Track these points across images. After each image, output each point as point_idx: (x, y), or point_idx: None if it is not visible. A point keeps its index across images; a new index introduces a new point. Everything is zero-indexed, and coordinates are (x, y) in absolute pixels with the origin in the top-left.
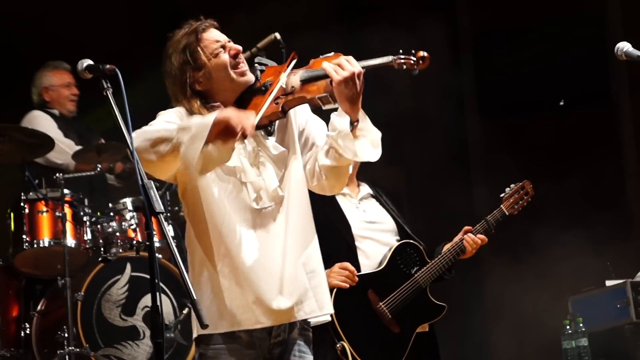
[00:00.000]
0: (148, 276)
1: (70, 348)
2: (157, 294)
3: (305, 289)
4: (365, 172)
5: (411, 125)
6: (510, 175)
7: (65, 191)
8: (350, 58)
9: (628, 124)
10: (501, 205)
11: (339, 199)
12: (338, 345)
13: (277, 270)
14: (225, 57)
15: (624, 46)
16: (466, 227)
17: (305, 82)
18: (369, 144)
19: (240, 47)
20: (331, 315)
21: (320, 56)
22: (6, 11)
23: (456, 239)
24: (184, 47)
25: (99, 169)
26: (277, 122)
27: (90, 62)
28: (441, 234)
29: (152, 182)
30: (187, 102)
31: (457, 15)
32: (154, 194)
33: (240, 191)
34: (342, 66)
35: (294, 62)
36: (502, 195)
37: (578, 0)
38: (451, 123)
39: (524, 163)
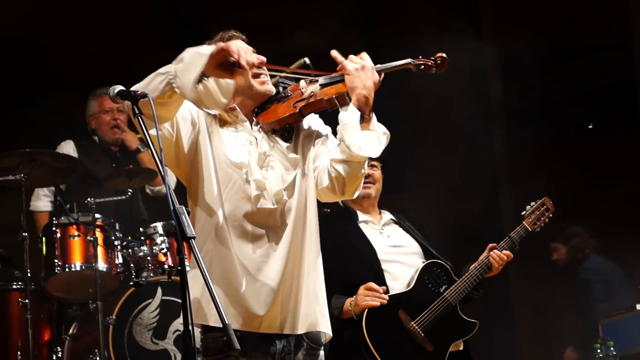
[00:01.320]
0: (179, 300)
1: None
2: (189, 318)
3: (296, 303)
4: (388, 194)
5: (439, 147)
6: (537, 195)
7: (97, 215)
8: (363, 54)
9: None
10: (523, 222)
11: (362, 226)
12: None
13: (266, 275)
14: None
15: None
16: (491, 245)
17: (323, 86)
18: (374, 138)
19: (264, 58)
20: (364, 336)
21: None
22: (37, 38)
23: (482, 256)
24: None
25: (129, 194)
26: (294, 130)
27: (122, 87)
28: (467, 255)
29: (183, 208)
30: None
31: (484, 41)
32: (186, 219)
33: (242, 188)
34: (354, 59)
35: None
36: (523, 212)
37: (604, 24)
38: (480, 145)
39: (552, 186)
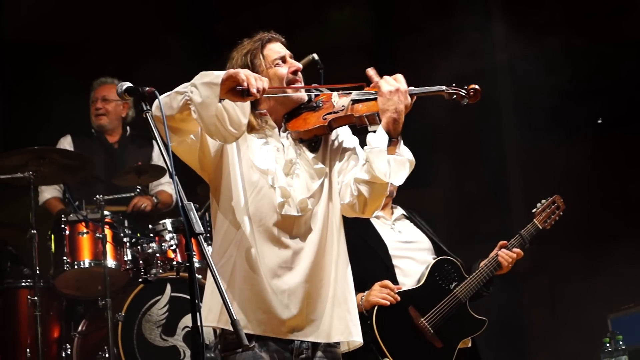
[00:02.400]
0: (188, 296)
1: None
2: (198, 314)
3: (324, 311)
4: (400, 192)
5: (448, 145)
6: (548, 195)
7: (105, 212)
8: (399, 75)
9: None
10: (534, 219)
11: (374, 221)
12: None
13: (291, 284)
14: (283, 70)
15: None
16: (501, 242)
17: (355, 101)
18: (400, 164)
19: (300, 65)
20: (374, 332)
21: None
22: (47, 37)
23: (492, 254)
24: (246, 52)
25: (138, 190)
26: (322, 141)
27: (130, 84)
28: (478, 253)
29: (192, 204)
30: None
31: (493, 40)
32: (194, 215)
33: (267, 194)
34: (389, 81)
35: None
36: (533, 210)
37: (618, 22)
38: (489, 142)
39: (562, 183)
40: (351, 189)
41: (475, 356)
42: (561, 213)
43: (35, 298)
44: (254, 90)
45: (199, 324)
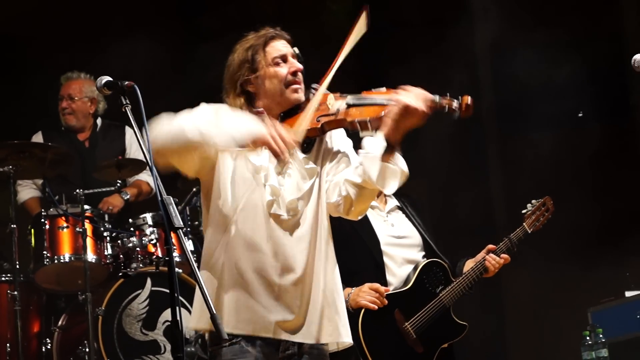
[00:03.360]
0: (168, 291)
1: None
2: (178, 308)
3: (315, 312)
4: None
5: (431, 139)
6: (528, 188)
7: (86, 207)
8: (421, 91)
9: None
10: (523, 223)
11: (368, 212)
12: None
13: (280, 284)
14: (282, 70)
15: None
16: (489, 246)
17: (350, 106)
18: (393, 173)
19: (301, 67)
20: (358, 334)
21: (372, 89)
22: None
23: (479, 257)
24: (248, 47)
25: (118, 185)
26: (315, 141)
27: (109, 78)
28: (461, 246)
29: (171, 198)
30: (234, 99)
31: (475, 31)
32: (174, 210)
33: (258, 193)
34: (418, 97)
35: (331, 74)
36: (523, 212)
37: (595, 16)
38: (471, 136)
39: (543, 177)
40: (339, 189)
41: (449, 355)
42: (550, 216)
43: (15, 292)
44: (285, 157)
45: (178, 318)
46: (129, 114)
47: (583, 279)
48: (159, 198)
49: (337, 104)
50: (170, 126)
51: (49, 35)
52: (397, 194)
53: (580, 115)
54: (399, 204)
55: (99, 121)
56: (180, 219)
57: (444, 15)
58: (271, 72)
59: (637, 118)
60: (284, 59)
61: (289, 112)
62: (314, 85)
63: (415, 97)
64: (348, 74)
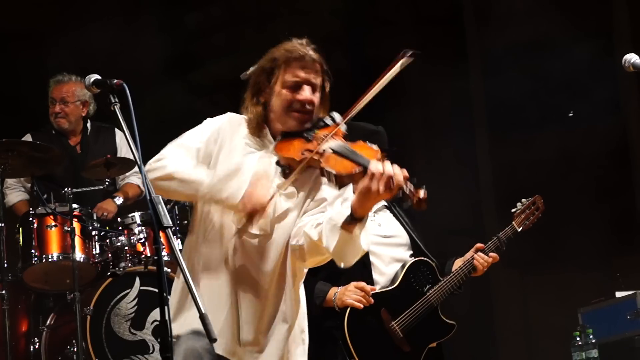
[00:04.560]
0: (157, 290)
1: None
2: (166, 308)
3: (262, 336)
4: None
5: (421, 139)
6: (518, 188)
7: (74, 205)
8: (397, 168)
9: (637, 136)
10: (512, 222)
11: None
12: None
13: (229, 303)
14: (289, 95)
15: (632, 58)
16: (478, 245)
17: (333, 152)
18: (353, 249)
19: (313, 99)
20: (344, 333)
21: (368, 143)
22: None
23: (467, 256)
24: (272, 59)
25: (107, 183)
26: (297, 172)
27: (98, 76)
28: (450, 246)
29: (160, 197)
30: (253, 105)
31: (466, 31)
32: (162, 209)
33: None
34: (385, 168)
35: (355, 111)
36: (513, 210)
37: (586, 14)
38: (461, 137)
39: (533, 176)
40: (298, 236)
41: (438, 355)
42: (540, 215)
43: (3, 292)
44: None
45: (167, 317)
46: (118, 113)
47: (573, 279)
48: (148, 197)
49: (328, 144)
50: (171, 175)
51: (37, 31)
52: None
53: (570, 115)
54: (386, 204)
55: (89, 124)
56: (169, 218)
57: (436, 15)
58: (280, 93)
59: (627, 118)
60: (297, 85)
61: (291, 133)
62: (333, 114)
63: (385, 177)
64: (338, 73)
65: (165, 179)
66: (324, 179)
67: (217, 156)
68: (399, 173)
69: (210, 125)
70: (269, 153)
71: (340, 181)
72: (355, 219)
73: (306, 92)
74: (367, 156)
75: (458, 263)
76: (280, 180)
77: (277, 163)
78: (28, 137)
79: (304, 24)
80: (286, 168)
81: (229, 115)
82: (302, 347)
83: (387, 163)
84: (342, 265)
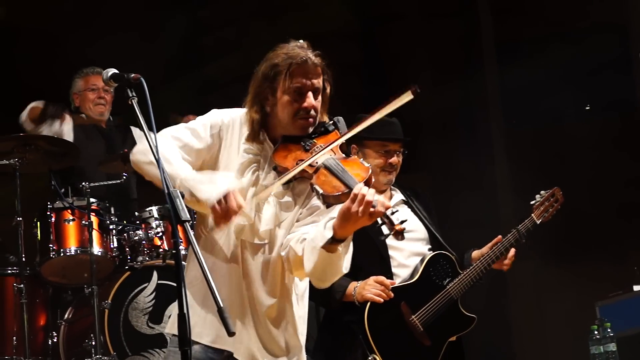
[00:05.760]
0: (175, 284)
1: (97, 356)
2: (185, 301)
3: (256, 344)
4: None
5: (436, 132)
6: (535, 181)
7: (92, 199)
8: (380, 197)
9: None
10: (532, 214)
11: None
12: (370, 358)
13: (234, 307)
14: (295, 103)
15: None
16: (497, 238)
17: (325, 167)
18: (330, 270)
19: (316, 105)
20: (364, 327)
21: (361, 160)
22: (34, 26)
23: (485, 249)
24: (274, 64)
25: (124, 177)
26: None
27: (115, 70)
28: (467, 239)
29: (177, 191)
30: (254, 112)
31: (481, 24)
32: (180, 202)
33: None
34: (367, 194)
35: (355, 130)
36: (532, 202)
37: (601, 8)
38: (475, 129)
39: (550, 170)
40: (286, 248)
41: (458, 348)
42: (559, 207)
43: (22, 286)
44: (220, 227)
45: (185, 311)
46: (136, 107)
47: (591, 272)
48: (166, 191)
49: (322, 158)
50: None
51: (51, 26)
52: (403, 187)
53: (587, 108)
54: (404, 198)
55: (110, 117)
56: (187, 211)
57: (446, 8)
58: (285, 101)
59: None
60: (300, 92)
61: (291, 138)
62: (338, 119)
63: (365, 202)
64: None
65: (148, 164)
66: (314, 194)
67: (218, 153)
68: (381, 202)
69: (215, 119)
70: (268, 159)
71: (326, 201)
72: (336, 240)
73: (310, 99)
74: (357, 176)
75: (476, 255)
76: (281, 190)
77: (274, 168)
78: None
79: (314, 17)
80: (281, 174)
81: (237, 113)
82: None
83: (372, 190)
84: (319, 286)
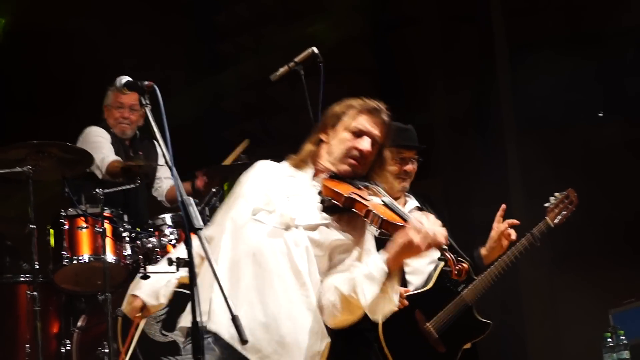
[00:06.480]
0: (188, 292)
1: None
2: (198, 309)
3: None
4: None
5: (447, 136)
6: (547, 185)
7: (105, 207)
8: (436, 223)
9: None
10: (546, 217)
11: None
12: None
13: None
14: (350, 142)
15: None
16: (502, 207)
17: (384, 203)
18: (384, 302)
19: (369, 149)
20: (379, 335)
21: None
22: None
23: (490, 240)
24: (348, 105)
25: (138, 183)
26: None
27: (129, 78)
28: (480, 244)
29: (191, 199)
30: (311, 143)
31: (494, 26)
32: (194, 210)
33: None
34: (431, 230)
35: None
36: (546, 205)
37: (612, 10)
38: (488, 132)
39: (563, 173)
40: (329, 292)
41: (473, 355)
42: (574, 208)
43: (35, 293)
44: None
45: (199, 319)
46: (149, 114)
47: (604, 279)
48: (179, 199)
49: (380, 198)
50: None
51: (68, 32)
52: (417, 194)
53: (600, 115)
54: (418, 205)
55: (137, 133)
56: (200, 219)
57: (459, 12)
58: (343, 137)
59: None
60: (362, 134)
61: (338, 176)
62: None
63: (426, 233)
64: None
65: None
66: (367, 224)
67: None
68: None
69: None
70: (307, 180)
71: (385, 227)
72: (389, 274)
73: (367, 144)
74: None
75: (483, 252)
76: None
77: (319, 193)
78: (93, 129)
79: (329, 22)
80: (327, 200)
81: (259, 164)
82: None
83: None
84: (375, 319)
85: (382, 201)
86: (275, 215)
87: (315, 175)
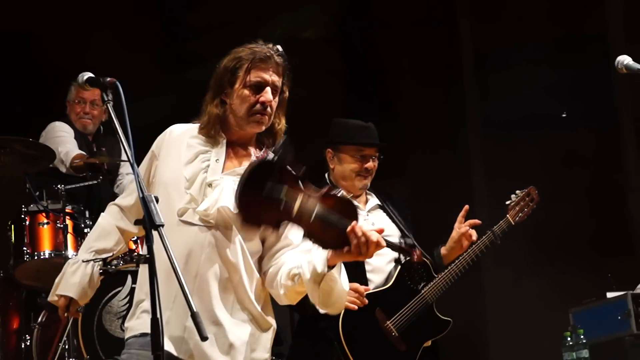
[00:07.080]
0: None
1: (71, 359)
2: (158, 306)
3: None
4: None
5: (416, 139)
6: (510, 189)
7: (67, 203)
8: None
9: (630, 139)
10: (507, 215)
11: None
12: None
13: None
14: (253, 98)
15: (624, 59)
16: (465, 208)
17: (318, 217)
18: (337, 293)
19: (272, 101)
20: (339, 333)
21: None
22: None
23: (451, 240)
24: (237, 57)
25: (100, 179)
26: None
27: (91, 74)
28: (443, 244)
29: (152, 195)
30: (214, 106)
31: (461, 34)
32: (154, 207)
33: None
34: (361, 232)
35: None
36: (507, 202)
37: (580, 17)
38: (454, 137)
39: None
40: (276, 285)
41: (433, 354)
42: (535, 206)
43: None
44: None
45: (158, 315)
46: (111, 111)
47: (564, 279)
48: (140, 195)
49: (311, 208)
50: None
51: (34, 29)
52: (379, 192)
53: (564, 115)
54: (379, 203)
55: (101, 128)
56: (161, 216)
57: (430, 16)
58: (242, 94)
59: (621, 121)
60: (259, 86)
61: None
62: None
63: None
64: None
65: None
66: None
67: (157, 169)
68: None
69: (150, 154)
70: (221, 151)
71: (326, 248)
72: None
73: (268, 95)
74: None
75: (443, 251)
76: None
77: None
78: (57, 124)
79: (299, 24)
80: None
81: (170, 129)
82: None
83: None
84: (330, 312)
85: (317, 215)
86: (200, 212)
87: (231, 147)
